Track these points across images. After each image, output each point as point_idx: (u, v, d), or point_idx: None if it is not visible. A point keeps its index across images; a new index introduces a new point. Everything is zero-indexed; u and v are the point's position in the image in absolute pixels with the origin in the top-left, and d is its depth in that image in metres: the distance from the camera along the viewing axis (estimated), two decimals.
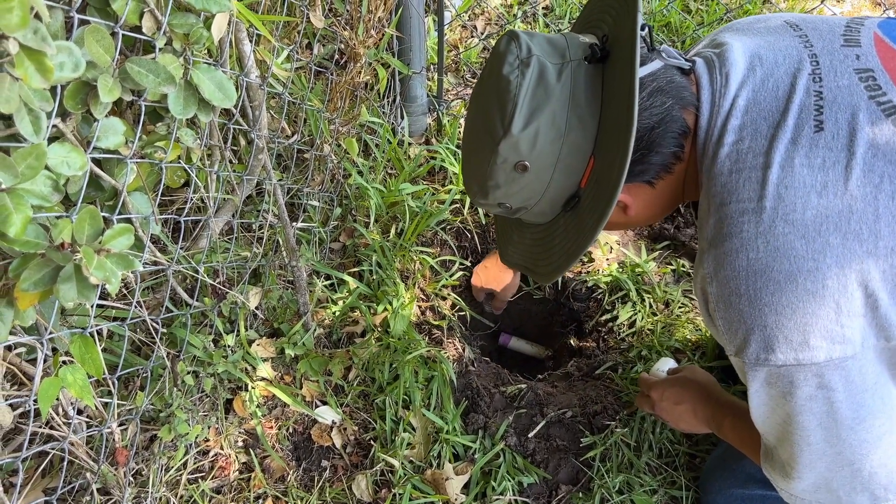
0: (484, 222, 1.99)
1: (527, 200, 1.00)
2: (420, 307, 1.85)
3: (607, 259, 1.94)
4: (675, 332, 1.76)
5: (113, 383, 1.17)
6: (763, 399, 0.94)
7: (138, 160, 1.12)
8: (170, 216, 1.28)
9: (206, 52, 1.35)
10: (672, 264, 1.91)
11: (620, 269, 1.90)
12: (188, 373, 1.35)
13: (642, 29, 0.88)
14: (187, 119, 1.12)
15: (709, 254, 0.93)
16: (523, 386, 1.69)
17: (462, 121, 2.21)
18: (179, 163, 1.22)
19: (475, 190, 1.03)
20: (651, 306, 1.83)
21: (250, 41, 1.32)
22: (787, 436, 0.95)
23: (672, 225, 1.97)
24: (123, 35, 0.99)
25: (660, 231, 1.97)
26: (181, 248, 1.47)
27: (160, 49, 1.05)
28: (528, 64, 0.90)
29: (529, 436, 1.59)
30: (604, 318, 1.85)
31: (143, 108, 1.07)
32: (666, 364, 1.61)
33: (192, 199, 1.33)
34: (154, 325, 1.24)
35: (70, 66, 0.85)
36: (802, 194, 0.85)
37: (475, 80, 2.48)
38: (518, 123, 0.90)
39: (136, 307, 1.19)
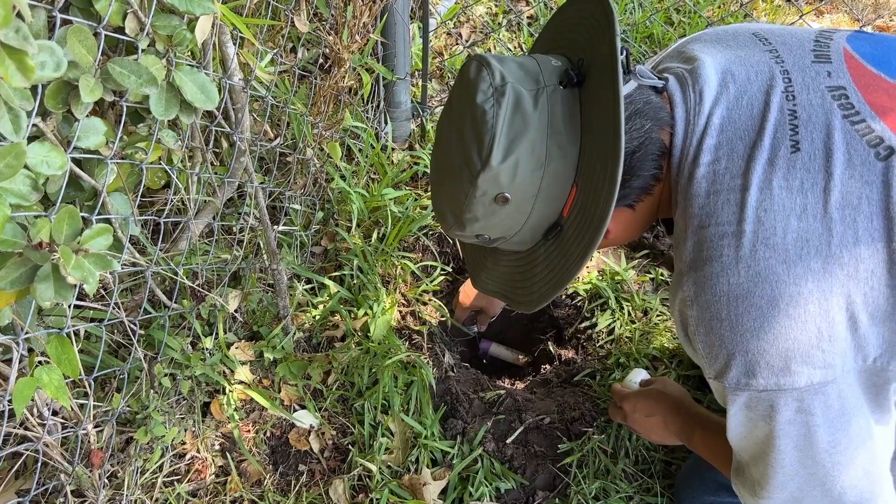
0: None
1: (507, 231, 0.97)
2: (401, 312, 1.85)
3: (587, 266, 1.95)
4: (653, 340, 1.78)
5: (89, 384, 1.17)
6: (741, 420, 0.94)
7: (119, 161, 1.11)
8: (150, 217, 1.27)
9: (189, 53, 1.35)
10: (651, 273, 1.93)
11: (600, 277, 1.91)
12: (165, 375, 1.35)
13: (621, 52, 0.86)
14: (169, 121, 1.12)
15: (689, 277, 0.92)
16: (502, 392, 1.69)
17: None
18: (161, 164, 1.22)
19: (451, 222, 0.99)
20: (630, 314, 1.84)
21: (234, 44, 1.32)
22: (762, 456, 0.95)
23: (651, 234, 1.99)
24: (106, 36, 0.99)
25: (639, 240, 1.99)
26: (161, 250, 1.46)
27: (143, 50, 1.06)
28: (502, 92, 0.87)
29: (507, 441, 1.60)
30: (583, 325, 1.87)
31: (125, 109, 1.07)
32: (638, 375, 1.63)
33: (172, 201, 1.33)
34: (132, 326, 1.24)
35: (51, 65, 0.85)
36: (782, 218, 0.85)
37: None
38: (497, 155, 0.87)
39: (113, 309, 1.18)
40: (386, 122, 2.11)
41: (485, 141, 0.87)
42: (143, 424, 1.32)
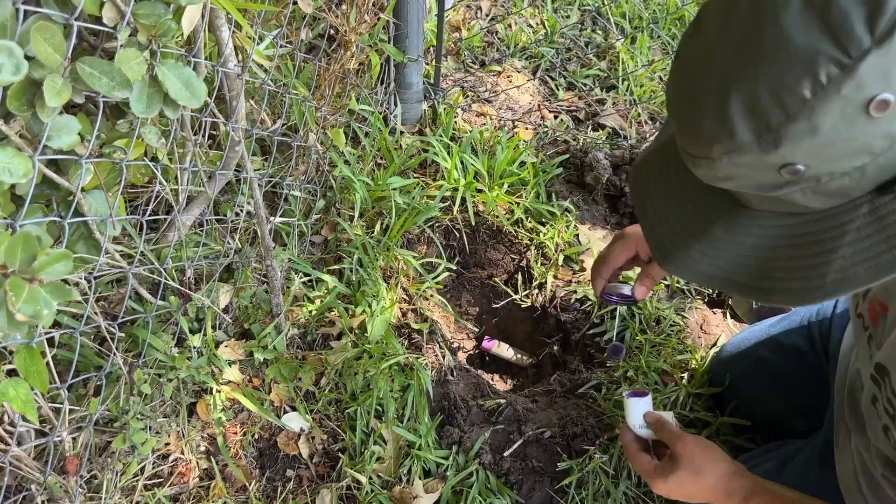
0: (473, 222, 1.91)
1: (838, 166, 0.60)
2: (401, 309, 1.78)
3: None
4: (664, 352, 1.69)
5: (65, 391, 1.10)
6: None
7: (96, 160, 1.03)
8: (133, 215, 1.19)
9: (178, 41, 1.25)
10: (667, 279, 1.84)
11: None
12: (145, 381, 1.28)
13: None
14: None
15: None
16: (502, 401, 1.62)
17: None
18: (144, 160, 1.13)
19: (744, 139, 0.60)
20: (641, 322, 1.75)
21: (229, 26, 1.22)
22: None
23: None
24: (85, 28, 0.90)
25: None
26: (149, 243, 1.38)
27: (122, 43, 0.96)
28: None
29: (505, 454, 1.53)
30: (591, 331, 1.78)
31: (102, 106, 0.98)
32: (639, 407, 1.24)
33: (157, 197, 1.25)
34: (111, 330, 1.16)
35: (10, 68, 0.76)
36: None
37: (477, 66, 2.38)
38: None
39: (91, 312, 1.11)
40: (396, 105, 2.01)
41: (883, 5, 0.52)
42: (122, 430, 1.26)
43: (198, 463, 1.42)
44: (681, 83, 0.67)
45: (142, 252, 1.41)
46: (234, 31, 1.23)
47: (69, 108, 1.09)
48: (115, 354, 1.17)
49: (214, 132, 1.57)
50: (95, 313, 1.07)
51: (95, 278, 1.09)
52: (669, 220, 0.80)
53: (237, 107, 1.31)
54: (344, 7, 1.54)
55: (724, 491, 1.08)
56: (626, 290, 1.27)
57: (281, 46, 1.46)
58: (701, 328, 1.77)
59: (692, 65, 0.66)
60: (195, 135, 1.34)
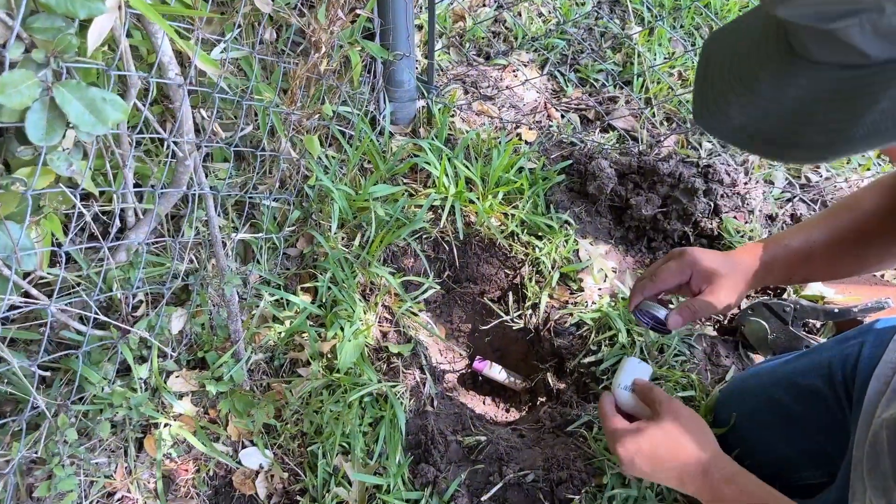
0: (463, 235, 1.76)
1: None
2: (382, 330, 1.64)
3: (599, 289, 1.70)
4: (665, 385, 1.53)
5: None
6: None
7: None
8: (43, 249, 1.07)
9: (104, 52, 1.11)
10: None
11: (612, 304, 1.66)
12: (71, 424, 1.17)
13: None
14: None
15: None
16: (483, 438, 1.48)
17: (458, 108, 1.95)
18: (60, 187, 1.01)
19: None
20: (642, 351, 1.59)
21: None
22: None
23: None
24: None
25: None
26: (100, 263, 1.27)
27: (12, 62, 0.83)
28: None
29: (482, 499, 1.39)
30: (587, 359, 1.63)
31: None
32: (632, 371, 1.21)
33: (81, 223, 1.12)
34: (30, 370, 1.05)
35: None
36: None
37: (482, 59, 2.21)
38: None
39: (2, 351, 1.00)
40: (385, 104, 1.86)
41: None
42: (48, 476, 1.16)
43: (145, 503, 1.31)
44: None
45: (88, 276, 1.30)
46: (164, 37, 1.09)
47: None
48: (35, 397, 1.05)
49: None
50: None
51: (8, 319, 0.97)
52: (721, 72, 0.73)
53: (181, 119, 1.18)
54: (315, 6, 1.39)
55: (702, 468, 1.04)
56: (662, 313, 1.16)
57: (238, 49, 1.32)
58: (709, 359, 1.60)
59: None
60: (137, 147, 1.21)
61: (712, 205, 1.73)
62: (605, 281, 1.71)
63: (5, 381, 1.17)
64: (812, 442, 1.31)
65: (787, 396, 1.34)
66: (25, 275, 1.10)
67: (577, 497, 1.37)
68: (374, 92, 1.82)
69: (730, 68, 0.71)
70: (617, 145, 1.95)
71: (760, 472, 1.38)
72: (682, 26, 2.32)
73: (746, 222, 1.75)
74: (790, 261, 1.23)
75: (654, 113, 2.04)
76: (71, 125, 0.90)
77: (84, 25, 0.92)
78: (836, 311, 1.53)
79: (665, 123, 2.04)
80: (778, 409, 1.35)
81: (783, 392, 1.35)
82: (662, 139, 1.96)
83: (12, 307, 1.05)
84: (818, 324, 1.61)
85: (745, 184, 1.80)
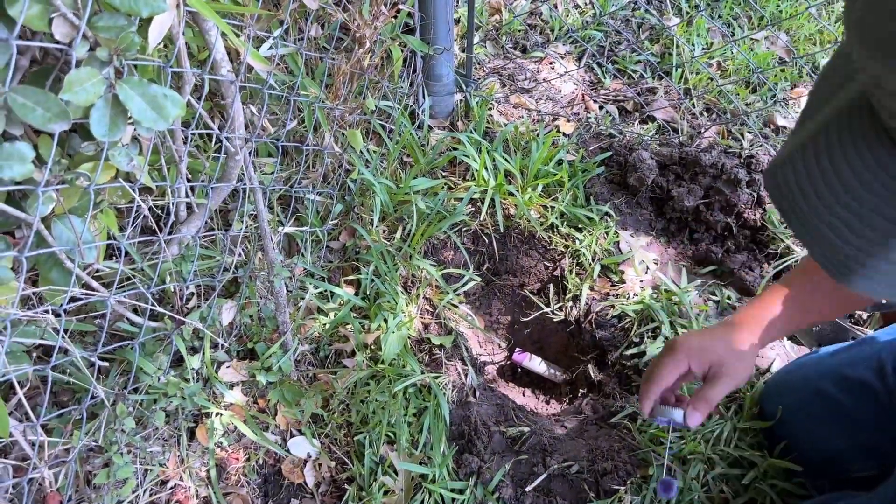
0: (503, 227, 1.77)
1: None
2: (423, 322, 1.66)
3: (641, 281, 1.69)
4: None
5: (38, 429, 1.03)
6: None
7: (58, 187, 0.94)
8: (105, 242, 1.10)
9: (160, 49, 1.14)
10: (716, 295, 1.66)
11: (654, 296, 1.65)
12: (129, 413, 1.20)
13: None
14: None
15: None
16: (526, 429, 1.49)
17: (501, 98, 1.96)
18: (119, 181, 1.04)
19: None
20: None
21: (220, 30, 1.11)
22: None
23: (721, 248, 1.70)
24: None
25: (705, 253, 1.71)
26: (144, 261, 1.30)
27: (78, 61, 0.86)
28: None
29: (527, 489, 1.40)
30: (629, 351, 1.62)
31: (58, 132, 0.88)
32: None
33: (150, 213, 1.15)
34: (91, 360, 1.09)
35: None
36: None
37: (518, 52, 2.21)
38: None
39: (64, 344, 1.03)
40: (424, 97, 1.87)
41: None
42: (106, 464, 1.19)
43: (197, 491, 1.34)
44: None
45: (141, 269, 1.33)
46: (224, 34, 1.11)
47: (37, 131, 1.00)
48: (94, 386, 1.09)
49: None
50: (66, 336, 0.99)
51: (66, 311, 1.00)
52: (840, 225, 0.55)
53: (232, 115, 1.20)
54: (357, 1, 1.40)
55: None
56: (678, 416, 1.11)
57: (285, 46, 1.34)
58: None
59: None
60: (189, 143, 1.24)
61: (755, 196, 1.71)
62: (646, 273, 1.71)
63: (66, 371, 1.21)
64: (862, 434, 1.29)
65: (834, 389, 1.33)
66: (85, 267, 1.13)
67: (623, 488, 1.37)
68: (414, 86, 1.83)
69: (855, 218, 0.53)
70: (657, 136, 1.94)
71: (809, 464, 1.38)
72: (720, 16, 2.30)
73: None
74: (791, 317, 1.19)
75: (693, 103, 2.02)
76: (132, 121, 0.92)
77: (143, 24, 0.94)
78: (884, 301, 1.50)
79: (705, 114, 2.02)
80: (826, 401, 1.33)
81: (831, 384, 1.34)
82: (703, 130, 1.94)
83: (72, 299, 1.08)
84: (865, 315, 1.59)
85: None
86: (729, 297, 1.64)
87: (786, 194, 0.58)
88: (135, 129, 0.99)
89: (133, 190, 1.04)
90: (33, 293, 0.99)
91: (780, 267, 1.65)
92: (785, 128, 1.97)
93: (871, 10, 0.43)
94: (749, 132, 1.94)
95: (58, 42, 0.85)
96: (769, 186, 0.61)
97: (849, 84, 0.52)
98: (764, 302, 1.22)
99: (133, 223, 1.18)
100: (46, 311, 0.98)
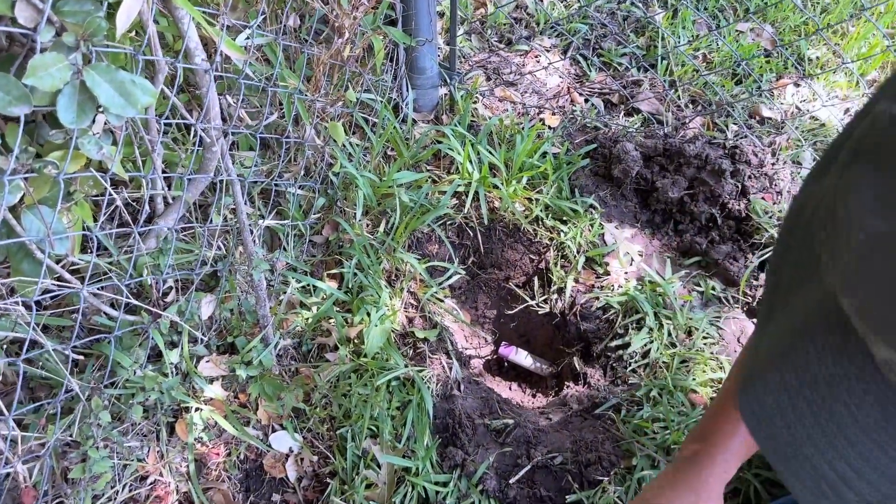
0: (487, 220, 1.76)
1: None
2: (408, 315, 1.65)
3: (626, 273, 1.69)
4: (695, 368, 1.52)
5: (10, 422, 1.02)
6: None
7: (26, 175, 0.92)
8: (76, 233, 1.09)
9: (132, 37, 1.13)
10: (700, 286, 1.65)
11: (639, 287, 1.65)
12: (104, 407, 1.19)
13: None
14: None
15: None
16: (510, 421, 1.48)
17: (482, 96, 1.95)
18: (91, 171, 1.02)
19: None
20: (670, 334, 1.58)
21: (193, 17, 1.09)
22: None
23: (705, 238, 1.70)
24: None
25: (690, 244, 1.70)
26: (119, 254, 1.29)
27: (44, 46, 0.84)
28: None
29: (511, 481, 1.40)
30: (614, 343, 1.62)
31: (23, 120, 0.87)
32: None
33: (126, 205, 1.14)
34: (64, 353, 1.07)
35: None
36: None
37: (503, 45, 2.20)
38: None
39: (35, 336, 1.02)
40: (408, 91, 1.86)
41: None
42: (82, 459, 1.18)
43: (177, 486, 1.33)
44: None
45: (118, 262, 1.32)
46: (198, 23, 1.10)
47: (5, 118, 0.99)
48: (69, 380, 1.07)
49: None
50: (37, 328, 0.97)
51: (42, 304, 0.99)
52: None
53: (207, 104, 1.19)
54: None
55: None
56: None
57: (262, 35, 1.33)
58: (738, 341, 1.59)
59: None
60: (165, 135, 1.23)
61: (740, 186, 1.71)
62: (631, 264, 1.70)
63: (40, 365, 1.19)
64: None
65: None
66: (58, 260, 1.12)
67: (606, 479, 1.36)
68: (397, 79, 1.82)
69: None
70: (642, 128, 1.93)
71: None
72: (705, 8, 2.29)
73: (775, 203, 1.72)
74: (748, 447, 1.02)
75: (678, 95, 2.02)
76: (101, 108, 0.91)
77: (112, 10, 0.93)
78: None
79: (690, 106, 2.02)
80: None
81: None
82: (688, 121, 1.94)
83: (46, 291, 1.07)
84: None
85: (773, 164, 1.78)
86: (713, 288, 1.64)
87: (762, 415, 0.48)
88: (105, 119, 0.98)
89: (105, 180, 1.03)
90: (2, 283, 0.98)
91: (764, 257, 1.65)
92: (770, 119, 1.97)
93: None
94: (734, 123, 1.94)
95: (22, 27, 0.84)
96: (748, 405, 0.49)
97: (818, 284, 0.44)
98: (711, 446, 1.01)
99: (107, 215, 1.17)
100: (16, 303, 0.97)
